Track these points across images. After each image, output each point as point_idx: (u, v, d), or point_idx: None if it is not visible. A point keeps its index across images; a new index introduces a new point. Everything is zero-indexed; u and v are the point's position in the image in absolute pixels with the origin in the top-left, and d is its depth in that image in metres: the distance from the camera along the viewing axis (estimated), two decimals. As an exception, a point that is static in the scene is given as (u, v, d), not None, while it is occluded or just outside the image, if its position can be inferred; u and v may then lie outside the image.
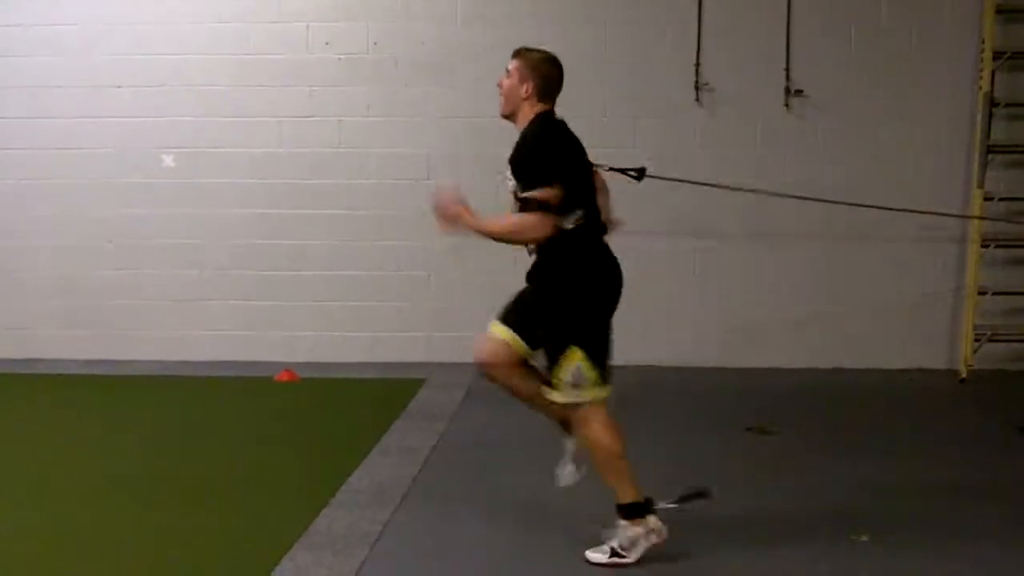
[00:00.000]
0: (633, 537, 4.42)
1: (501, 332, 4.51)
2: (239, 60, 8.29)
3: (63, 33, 8.33)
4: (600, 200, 4.59)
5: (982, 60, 7.85)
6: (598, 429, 4.42)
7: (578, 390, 4.37)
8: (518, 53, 4.58)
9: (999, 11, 7.83)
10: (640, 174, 4.80)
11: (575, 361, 4.34)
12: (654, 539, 4.44)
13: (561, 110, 8.19)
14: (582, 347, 4.35)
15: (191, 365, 8.25)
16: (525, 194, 4.29)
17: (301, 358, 8.27)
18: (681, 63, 8.07)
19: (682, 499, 4.67)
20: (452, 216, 4.39)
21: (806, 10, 7.99)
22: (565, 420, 4.57)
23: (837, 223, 7.92)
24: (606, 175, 4.75)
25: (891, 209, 7.14)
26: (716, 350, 8.19)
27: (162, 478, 5.61)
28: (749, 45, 8.06)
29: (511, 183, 4.44)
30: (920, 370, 8.08)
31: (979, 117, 7.88)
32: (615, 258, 4.54)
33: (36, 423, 6.79)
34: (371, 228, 8.25)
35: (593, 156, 8.15)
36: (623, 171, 4.74)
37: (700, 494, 4.72)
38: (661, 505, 4.55)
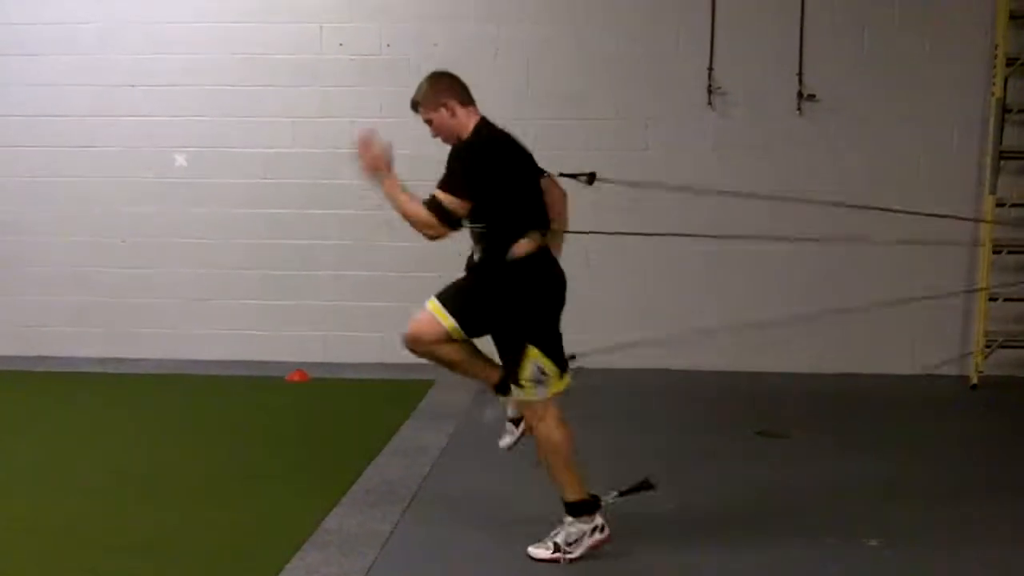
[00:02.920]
0: (578, 534, 4.48)
1: (442, 317, 4.50)
2: (252, 60, 8.31)
3: (77, 32, 8.35)
4: (556, 206, 4.67)
5: (995, 66, 7.84)
6: (551, 426, 4.50)
7: (543, 386, 4.46)
8: (415, 105, 4.63)
9: (1012, 17, 7.80)
10: (590, 178, 4.82)
11: (533, 359, 4.43)
12: (598, 536, 4.50)
13: (574, 110, 8.27)
14: (536, 344, 4.44)
15: (202, 364, 8.27)
16: (434, 192, 4.35)
17: (312, 358, 8.28)
18: (694, 66, 8.06)
19: (626, 492, 4.67)
20: (373, 162, 4.48)
21: (819, 14, 7.99)
22: (498, 382, 4.61)
23: (848, 227, 7.89)
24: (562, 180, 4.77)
25: (894, 211, 7.08)
26: (726, 354, 8.18)
27: (172, 476, 5.63)
28: (762, 49, 8.05)
29: None
30: (931, 376, 8.06)
31: (991, 123, 7.86)
32: (554, 259, 4.60)
33: (46, 420, 6.81)
34: (383, 229, 8.25)
35: (604, 158, 8.19)
36: (574, 176, 4.77)
37: (644, 486, 4.72)
38: (606, 499, 4.58)
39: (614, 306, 8.28)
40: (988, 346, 7.93)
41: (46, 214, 8.52)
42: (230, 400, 7.37)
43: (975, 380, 7.88)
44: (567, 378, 4.55)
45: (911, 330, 8.12)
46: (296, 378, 7.85)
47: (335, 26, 8.25)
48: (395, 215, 4.54)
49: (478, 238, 4.52)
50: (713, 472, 5.75)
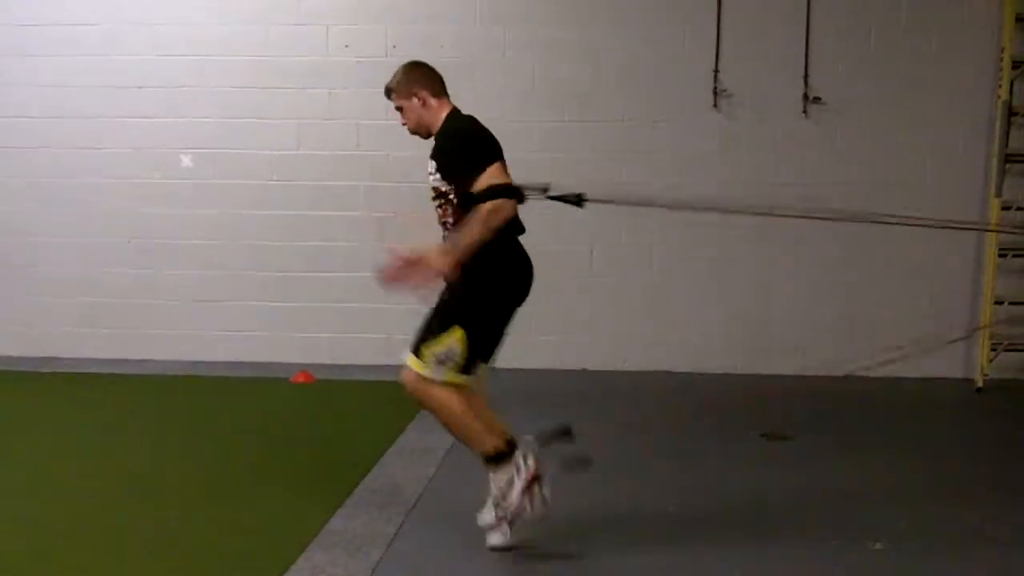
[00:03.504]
0: (507, 480, 4.42)
1: (413, 364, 4.46)
2: (258, 61, 8.32)
3: (83, 33, 8.37)
4: None
5: (1001, 68, 7.84)
6: (439, 393, 4.41)
7: (441, 367, 4.38)
8: (388, 91, 4.67)
9: (1019, 19, 7.80)
10: (579, 200, 4.66)
11: (453, 340, 4.36)
12: (525, 472, 4.41)
13: (580, 111, 8.28)
14: (467, 330, 4.37)
15: (208, 365, 8.28)
16: (472, 189, 4.29)
17: (318, 359, 8.29)
18: (700, 69, 8.07)
19: (547, 437, 4.55)
20: (429, 273, 4.30)
21: (825, 17, 7.99)
22: (491, 455, 4.50)
23: (852, 230, 7.89)
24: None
25: (894, 223, 7.08)
26: (730, 356, 8.19)
27: (178, 477, 5.64)
28: (768, 52, 8.06)
29: (433, 178, 4.50)
30: (935, 378, 8.06)
31: (998, 125, 7.86)
32: (528, 257, 4.55)
33: (53, 421, 6.82)
34: (389, 230, 8.26)
35: (611, 160, 8.20)
36: (562, 199, 4.63)
37: (563, 433, 4.60)
38: (525, 438, 4.50)
39: (617, 308, 8.29)
40: (993, 349, 7.92)
41: (52, 215, 8.54)
42: (236, 401, 7.38)
43: (980, 383, 7.87)
44: (470, 378, 4.45)
45: (916, 332, 8.11)
46: (302, 379, 7.87)
47: (341, 28, 8.27)
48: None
49: (455, 223, 4.44)
50: (716, 474, 5.75)
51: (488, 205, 4.27)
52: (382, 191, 8.25)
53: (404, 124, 4.68)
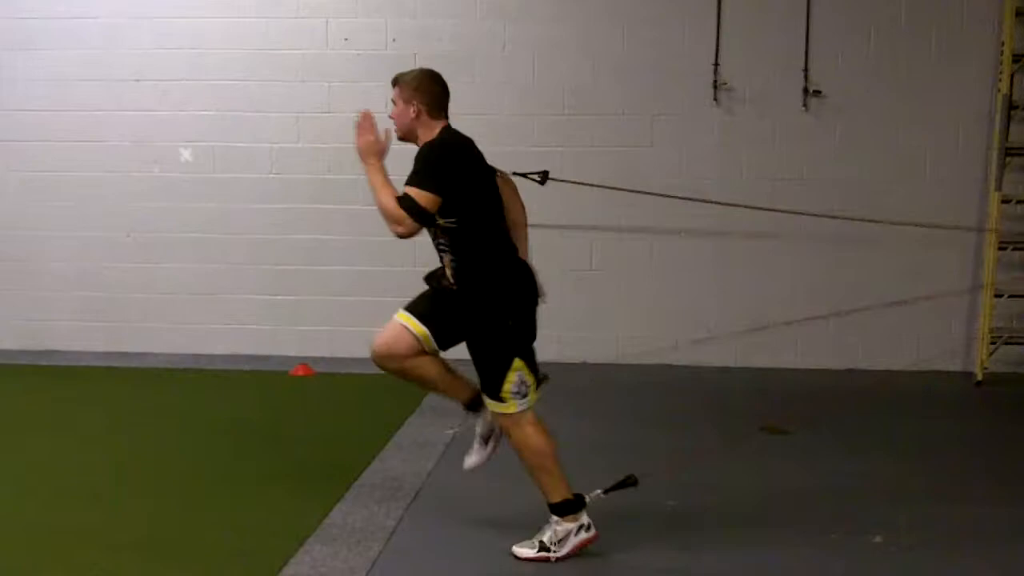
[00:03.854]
0: (564, 532, 4.46)
1: (414, 325, 4.54)
2: (258, 55, 8.31)
3: (83, 26, 8.36)
4: (513, 201, 4.65)
5: (1002, 62, 7.83)
6: (531, 432, 4.48)
7: (524, 398, 4.45)
8: (396, 80, 4.64)
9: (1019, 14, 7.79)
10: (543, 177, 4.80)
11: (517, 371, 4.42)
12: (583, 535, 4.48)
13: (578, 106, 8.27)
14: (522, 357, 4.44)
15: (207, 358, 8.29)
16: (406, 189, 4.34)
17: (317, 352, 8.30)
18: (700, 62, 8.06)
19: (611, 489, 4.63)
20: (367, 145, 4.47)
21: (826, 11, 7.98)
22: (469, 400, 4.62)
23: (852, 224, 7.89)
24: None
25: (893, 223, 7.07)
26: (730, 350, 8.18)
27: (177, 470, 5.64)
28: (768, 45, 8.05)
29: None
30: (935, 372, 8.06)
31: (998, 119, 7.86)
32: (527, 265, 4.60)
33: (52, 415, 6.83)
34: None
35: (610, 154, 8.19)
36: (526, 175, 4.76)
37: (627, 482, 4.66)
38: (591, 496, 4.55)
39: (617, 303, 8.29)
40: (993, 342, 7.92)
41: (51, 209, 8.53)
42: (235, 394, 7.38)
43: (980, 376, 7.87)
44: (540, 389, 4.55)
45: (916, 326, 8.12)
46: (301, 372, 7.87)
47: (341, 21, 8.25)
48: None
49: (447, 245, 4.48)
50: (716, 469, 5.74)
51: (392, 207, 4.30)
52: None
53: (391, 117, 4.66)
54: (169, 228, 8.47)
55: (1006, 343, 7.94)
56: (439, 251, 4.57)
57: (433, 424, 6.47)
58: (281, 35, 8.28)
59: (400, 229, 4.34)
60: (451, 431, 4.55)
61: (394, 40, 8.20)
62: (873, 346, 8.18)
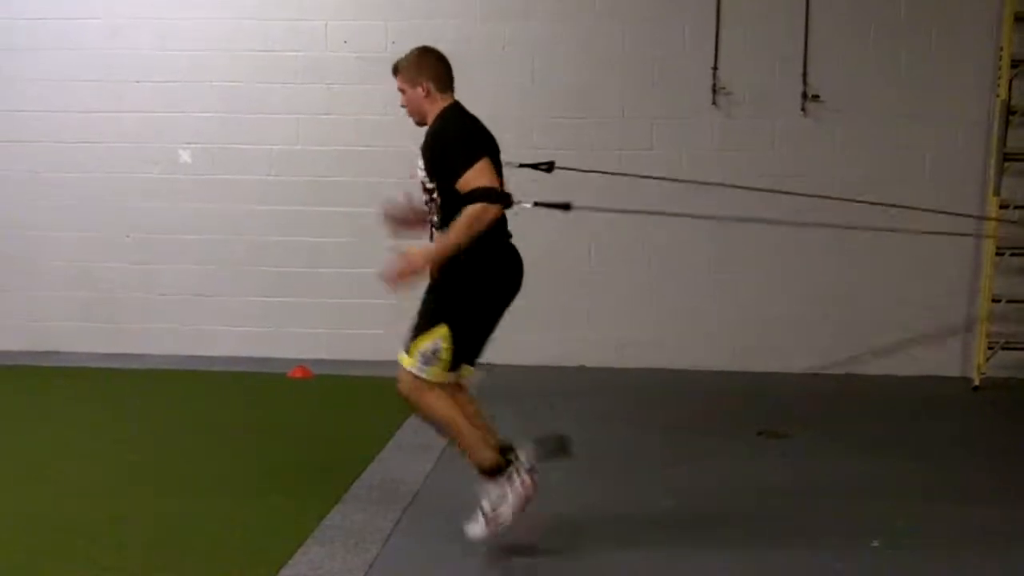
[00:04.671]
0: (498, 493, 4.44)
1: (403, 360, 4.51)
2: (258, 56, 8.32)
3: (84, 27, 8.36)
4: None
5: (1000, 67, 7.84)
6: (433, 400, 4.45)
7: (426, 366, 4.40)
8: (396, 69, 4.63)
9: (1018, 19, 7.80)
10: (550, 167, 4.80)
11: (438, 337, 4.38)
12: (520, 487, 4.44)
13: (577, 109, 8.28)
14: (452, 328, 4.39)
15: (206, 360, 8.29)
16: (462, 187, 4.28)
17: (316, 354, 8.30)
18: (699, 66, 8.07)
19: (541, 450, 4.58)
20: (411, 270, 4.37)
21: (824, 15, 7.99)
22: (488, 469, 4.52)
23: (851, 228, 7.90)
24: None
25: (893, 206, 7.05)
26: (728, 353, 8.20)
27: (176, 472, 5.65)
28: (767, 49, 8.06)
29: (422, 174, 4.48)
30: (933, 377, 8.07)
31: (996, 124, 7.87)
32: (519, 256, 4.56)
33: (52, 415, 6.83)
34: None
35: (609, 156, 8.20)
36: (534, 166, 4.75)
37: (560, 446, 4.63)
38: (521, 450, 4.51)
39: (615, 305, 8.30)
40: (991, 347, 7.93)
41: (52, 209, 8.54)
42: (234, 396, 7.39)
43: (977, 381, 7.88)
44: (462, 374, 4.52)
45: (913, 330, 8.13)
46: (299, 374, 7.87)
47: (340, 23, 8.26)
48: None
49: (442, 218, 4.45)
50: (713, 472, 5.76)
51: (472, 210, 4.25)
52: (381, 187, 8.24)
53: (403, 106, 4.66)
54: (169, 229, 8.48)
55: (1004, 348, 7.95)
56: (431, 228, 4.54)
57: (432, 427, 6.46)
58: (281, 37, 8.29)
59: (491, 216, 4.27)
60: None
61: (393, 42, 8.19)
62: (871, 350, 8.19)
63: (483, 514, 4.46)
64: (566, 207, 4.63)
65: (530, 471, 4.48)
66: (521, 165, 4.71)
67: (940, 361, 8.12)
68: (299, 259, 8.43)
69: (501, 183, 4.44)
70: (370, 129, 8.24)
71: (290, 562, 4.39)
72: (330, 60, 8.29)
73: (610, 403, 7.28)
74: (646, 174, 7.89)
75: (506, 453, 4.51)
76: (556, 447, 4.64)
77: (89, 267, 8.56)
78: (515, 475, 4.45)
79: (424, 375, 4.42)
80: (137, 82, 8.38)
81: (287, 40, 8.29)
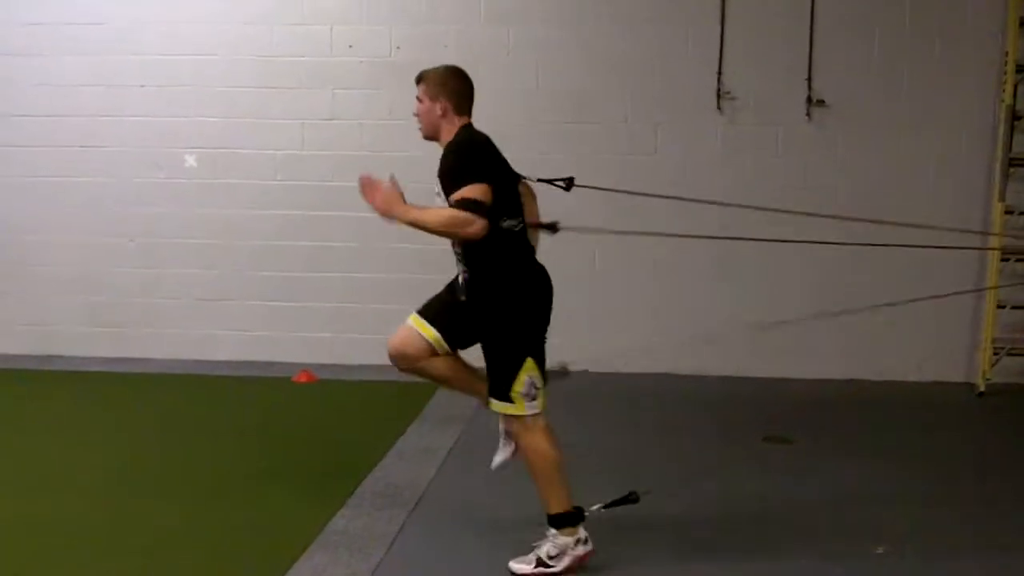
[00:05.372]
0: (562, 546, 4.43)
1: (424, 329, 4.57)
2: (262, 61, 8.32)
3: (88, 32, 8.36)
4: (530, 208, 4.67)
5: (1005, 72, 7.84)
6: (541, 438, 4.47)
7: (533, 400, 4.43)
8: (421, 77, 4.62)
9: (1022, 24, 7.80)
10: (568, 184, 4.80)
11: (528, 372, 4.41)
12: (581, 550, 4.45)
13: (582, 113, 8.28)
14: (533, 356, 4.44)
15: (210, 364, 8.28)
16: (456, 195, 4.30)
17: (319, 359, 8.30)
18: (703, 71, 8.06)
19: (611, 504, 4.64)
20: (385, 202, 4.44)
21: (829, 20, 7.98)
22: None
23: (854, 234, 7.89)
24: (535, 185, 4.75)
25: (899, 224, 7.07)
26: (732, 358, 8.18)
27: (179, 476, 5.65)
28: (772, 54, 8.05)
29: (440, 199, 4.49)
30: (937, 382, 8.05)
31: (1001, 129, 7.86)
32: (543, 268, 4.63)
33: (55, 420, 6.83)
34: (391, 231, 8.22)
35: (613, 161, 8.19)
36: (551, 181, 4.75)
37: (629, 498, 4.69)
38: (591, 510, 4.54)
39: (620, 311, 8.29)
40: (995, 353, 7.92)
41: (56, 214, 8.54)
42: (237, 400, 7.39)
43: (982, 387, 7.87)
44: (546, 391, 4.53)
45: (918, 336, 8.11)
46: (303, 379, 7.87)
47: (345, 28, 8.27)
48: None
49: (462, 250, 4.49)
50: (718, 477, 5.75)
51: (460, 213, 4.27)
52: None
53: (415, 114, 4.66)
54: (173, 234, 8.48)
55: (1008, 354, 7.93)
56: (455, 255, 4.57)
57: (435, 431, 6.48)
58: (285, 42, 8.30)
59: (472, 229, 4.27)
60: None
61: (398, 47, 8.21)
62: (875, 356, 8.18)
63: (537, 557, 4.44)
64: (569, 182, 4.75)
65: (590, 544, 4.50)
66: (540, 180, 4.71)
67: (944, 367, 8.11)
68: (303, 263, 8.43)
69: (513, 202, 4.49)
70: (374, 134, 8.24)
71: (294, 567, 4.39)
72: (335, 65, 8.28)
73: (613, 408, 7.28)
74: (650, 180, 7.90)
75: (580, 512, 4.52)
76: (625, 501, 4.68)
77: (93, 271, 8.56)
78: (583, 536, 4.47)
79: (537, 410, 4.45)
80: (141, 87, 8.39)
81: (291, 45, 8.30)
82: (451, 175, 4.39)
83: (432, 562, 4.54)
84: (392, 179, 4.52)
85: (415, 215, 4.40)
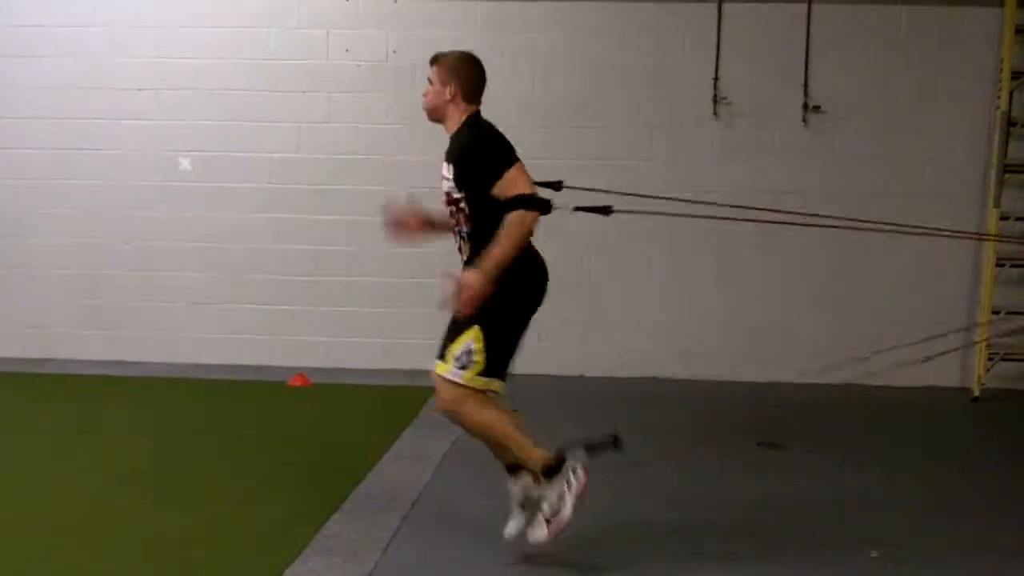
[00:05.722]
0: (557, 494, 4.40)
1: (439, 367, 4.49)
2: (259, 65, 8.33)
3: (84, 36, 8.38)
4: None
5: (1001, 79, 7.85)
6: (473, 407, 4.44)
7: (462, 368, 4.39)
8: (435, 59, 4.62)
9: (1019, 31, 7.82)
10: (607, 211, 4.75)
11: (470, 338, 4.38)
12: (576, 485, 4.39)
13: (578, 118, 8.28)
14: (483, 328, 4.38)
15: (205, 368, 8.28)
16: (506, 193, 4.30)
17: (315, 363, 8.29)
18: (700, 76, 8.08)
19: (593, 447, 4.54)
20: (467, 301, 4.32)
21: (825, 26, 8.00)
22: (513, 465, 4.54)
23: (850, 239, 7.90)
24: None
25: (894, 229, 7.08)
26: (727, 364, 8.19)
27: (174, 480, 5.64)
28: (768, 60, 8.07)
29: (447, 184, 4.48)
30: (932, 387, 8.06)
31: (996, 136, 7.88)
32: (544, 264, 4.61)
33: (50, 422, 6.82)
34: (387, 235, 8.25)
35: (609, 166, 8.20)
36: (589, 209, 4.71)
37: (612, 442, 4.58)
38: (573, 449, 4.48)
39: (614, 314, 8.29)
40: (990, 358, 7.93)
41: (52, 217, 8.54)
42: (232, 404, 7.38)
43: (977, 392, 7.88)
44: (495, 384, 4.48)
45: (913, 341, 8.09)
46: (298, 383, 7.87)
47: (342, 32, 8.28)
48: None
49: (468, 232, 4.48)
50: (712, 482, 5.75)
51: (514, 218, 4.28)
52: (381, 195, 8.22)
53: (424, 95, 4.65)
54: (169, 237, 8.48)
55: (1003, 359, 7.95)
56: (457, 237, 4.56)
57: (430, 436, 6.47)
58: (282, 46, 8.30)
59: (532, 220, 4.33)
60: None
61: (394, 51, 8.22)
62: (870, 361, 8.17)
63: (544, 518, 4.43)
64: (606, 210, 4.68)
65: (583, 466, 4.44)
66: (576, 209, 4.65)
67: (940, 372, 8.10)
68: (299, 267, 8.43)
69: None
70: (370, 138, 8.25)
71: (288, 571, 4.38)
72: (331, 69, 8.30)
73: (608, 413, 7.26)
74: (646, 185, 7.92)
75: (558, 454, 4.49)
76: (607, 442, 4.59)
77: (89, 274, 8.56)
78: (570, 473, 4.41)
79: (460, 379, 4.41)
80: (139, 90, 8.39)
81: (288, 49, 8.30)
82: (479, 167, 4.37)
83: (427, 567, 4.54)
84: (411, 199, 4.55)
85: (493, 265, 4.31)
